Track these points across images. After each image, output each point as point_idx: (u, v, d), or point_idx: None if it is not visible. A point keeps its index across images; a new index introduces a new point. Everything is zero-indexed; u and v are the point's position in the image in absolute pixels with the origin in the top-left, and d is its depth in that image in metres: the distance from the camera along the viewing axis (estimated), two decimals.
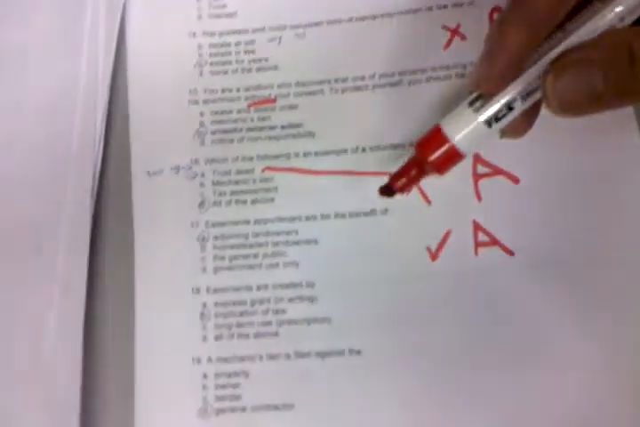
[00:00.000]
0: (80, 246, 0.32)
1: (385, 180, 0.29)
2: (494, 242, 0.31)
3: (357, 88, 0.33)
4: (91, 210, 0.32)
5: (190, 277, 0.31)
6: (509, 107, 0.25)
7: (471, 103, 0.26)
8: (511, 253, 0.30)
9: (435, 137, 0.27)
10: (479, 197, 0.31)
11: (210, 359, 0.30)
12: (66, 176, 0.33)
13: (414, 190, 0.31)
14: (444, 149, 0.26)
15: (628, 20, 0.24)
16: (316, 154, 0.33)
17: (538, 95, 0.25)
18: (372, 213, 0.31)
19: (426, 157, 0.27)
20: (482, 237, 0.31)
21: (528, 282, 0.30)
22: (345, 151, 0.32)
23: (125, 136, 0.34)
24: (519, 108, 0.25)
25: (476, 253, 0.30)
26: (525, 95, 0.25)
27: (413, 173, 0.28)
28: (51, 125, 0.34)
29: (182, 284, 0.31)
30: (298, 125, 0.33)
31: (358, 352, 0.30)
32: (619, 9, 0.24)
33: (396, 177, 0.28)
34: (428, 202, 0.31)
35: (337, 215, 0.32)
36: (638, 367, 0.28)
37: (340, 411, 0.29)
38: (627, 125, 0.31)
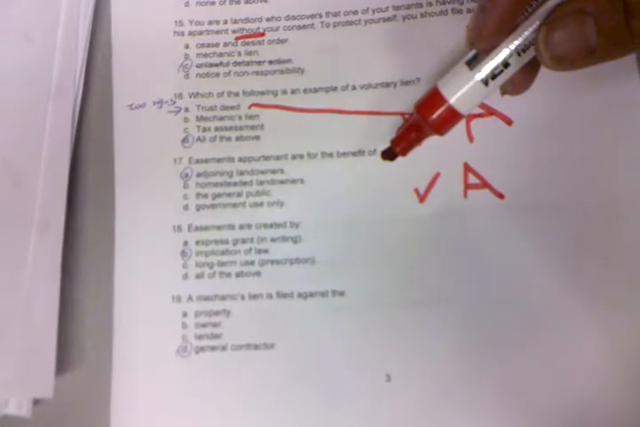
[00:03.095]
0: (59, 182, 0.30)
1: (374, 119, 0.28)
2: (484, 185, 0.29)
3: (349, 23, 0.31)
4: (71, 144, 0.31)
5: (172, 215, 0.30)
6: (505, 64, 0.24)
7: (468, 62, 0.24)
8: (501, 196, 0.29)
9: (433, 98, 0.25)
10: (471, 139, 0.30)
11: (190, 298, 0.29)
12: (45, 109, 0.31)
13: None
14: (442, 109, 0.25)
15: None
16: (305, 91, 0.31)
17: (532, 52, 0.23)
18: (361, 153, 0.30)
19: (425, 118, 0.26)
20: (472, 179, 0.29)
21: (517, 226, 0.29)
22: (334, 89, 0.31)
23: (107, 67, 0.32)
24: (515, 64, 0.24)
25: (466, 195, 0.29)
26: (521, 51, 0.23)
27: (413, 135, 0.27)
28: (29, 56, 0.32)
29: (163, 221, 0.30)
30: (286, 61, 0.31)
31: (342, 293, 0.29)
32: None
33: (397, 140, 0.27)
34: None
35: (324, 155, 0.30)
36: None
37: (320, 351, 0.28)
38: (626, 68, 0.30)
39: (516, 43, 0.23)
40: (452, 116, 0.25)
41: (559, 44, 0.22)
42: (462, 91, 0.25)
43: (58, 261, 0.29)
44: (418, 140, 0.27)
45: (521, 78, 0.26)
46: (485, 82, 0.24)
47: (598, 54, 0.22)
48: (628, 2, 0.21)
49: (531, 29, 0.23)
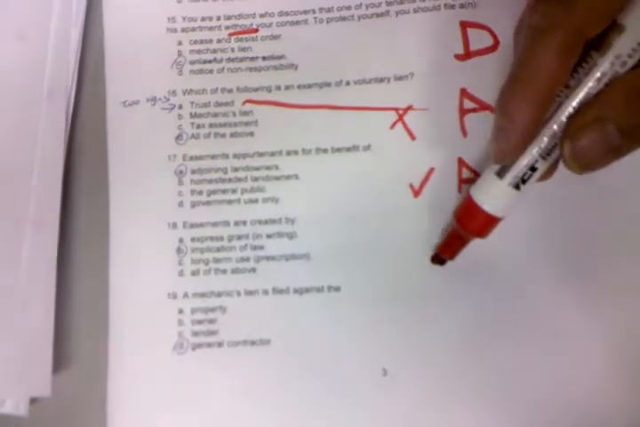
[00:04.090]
0: (53, 179, 0.29)
1: (368, 114, 0.28)
2: None
3: (343, 18, 0.31)
4: (64, 142, 0.30)
5: (167, 212, 0.30)
6: (532, 168, 0.25)
7: (497, 173, 0.25)
8: None
9: (470, 209, 0.26)
10: (464, 133, 0.29)
11: (186, 294, 0.29)
12: (39, 107, 0.30)
13: (399, 126, 0.30)
14: (481, 218, 0.26)
15: (630, 64, 0.22)
16: (299, 87, 0.30)
17: (557, 151, 0.24)
18: (355, 148, 0.30)
19: (467, 228, 0.27)
20: (466, 173, 0.29)
21: (512, 221, 0.28)
22: (328, 84, 0.30)
23: (100, 65, 0.31)
24: (542, 167, 0.25)
25: (460, 189, 0.29)
26: (545, 155, 0.24)
27: (458, 242, 0.28)
28: (22, 54, 0.31)
29: (158, 218, 0.29)
30: (280, 57, 0.31)
31: (337, 289, 0.28)
32: (617, 55, 0.22)
33: (444, 248, 0.28)
34: (413, 138, 0.29)
35: (319, 150, 0.30)
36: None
37: (316, 347, 0.28)
38: None
39: (540, 148, 0.24)
40: (492, 221, 0.26)
41: (585, 153, 0.22)
42: (497, 199, 0.26)
43: (53, 258, 0.29)
44: (463, 246, 0.27)
45: (549, 169, 0.26)
46: (517, 186, 0.25)
47: (624, 150, 0.22)
48: None
49: (550, 133, 0.24)
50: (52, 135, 0.30)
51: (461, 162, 0.29)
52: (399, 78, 0.30)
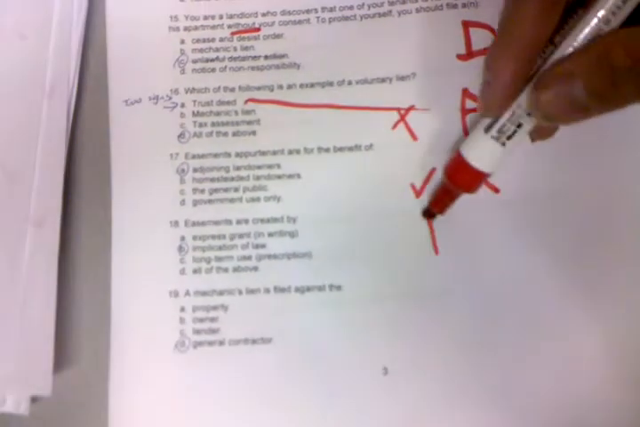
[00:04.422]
0: (54, 178, 0.29)
1: (370, 114, 0.28)
2: None
3: (345, 18, 0.31)
4: (66, 141, 0.30)
5: (169, 210, 0.29)
6: (518, 124, 0.25)
7: (485, 128, 0.26)
8: (496, 190, 0.29)
9: (459, 165, 0.27)
10: (467, 133, 0.29)
11: (188, 293, 0.29)
12: (40, 106, 0.30)
13: (401, 126, 0.30)
14: (469, 173, 0.27)
15: (615, 23, 0.22)
16: (301, 86, 0.30)
17: None
18: (357, 148, 0.30)
19: (456, 183, 0.27)
20: None
21: (512, 220, 0.28)
22: (330, 84, 0.30)
23: (103, 63, 0.31)
24: (528, 123, 0.25)
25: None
26: (530, 111, 0.24)
27: (447, 197, 0.28)
28: (23, 53, 0.31)
29: (160, 216, 0.29)
30: (282, 56, 0.31)
31: (339, 288, 0.28)
32: (601, 13, 0.22)
33: (434, 203, 0.28)
34: (414, 138, 0.29)
35: (320, 150, 0.30)
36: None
37: (317, 345, 0.28)
38: None
39: (523, 105, 0.24)
40: (480, 176, 0.27)
41: (550, 105, 0.22)
42: (485, 155, 0.26)
43: (54, 257, 0.28)
44: (452, 201, 0.28)
45: (544, 128, 0.26)
46: (503, 143, 0.25)
47: (589, 111, 0.22)
48: (612, 60, 0.21)
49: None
50: (54, 134, 0.30)
51: None
52: (401, 78, 0.30)
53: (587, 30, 0.22)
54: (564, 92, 0.22)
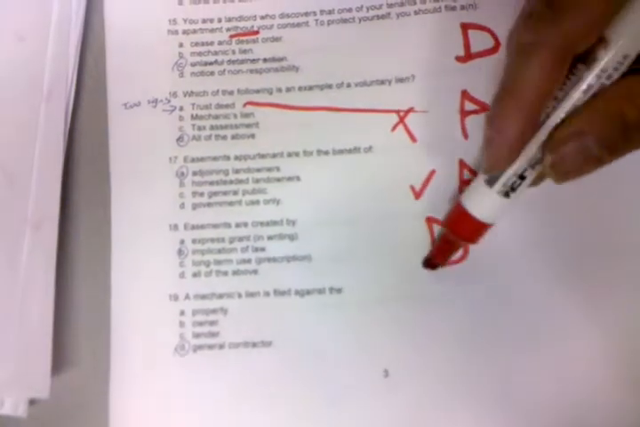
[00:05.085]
0: (52, 181, 0.29)
1: (369, 116, 0.28)
2: None
3: (344, 20, 0.31)
4: (64, 144, 0.30)
5: (168, 214, 0.29)
6: (521, 177, 0.25)
7: (487, 181, 0.26)
8: None
9: (460, 217, 0.27)
10: (465, 135, 0.29)
11: (187, 296, 0.28)
12: (38, 108, 0.30)
13: (400, 128, 0.29)
14: (471, 225, 0.26)
15: (616, 76, 0.23)
16: (300, 89, 0.30)
17: None
18: (356, 150, 0.29)
19: (459, 235, 0.27)
20: (467, 175, 0.29)
21: (512, 221, 0.28)
22: (329, 86, 0.30)
23: (101, 67, 0.31)
24: (531, 175, 0.25)
25: (461, 191, 0.28)
26: (534, 164, 0.25)
27: (448, 248, 0.28)
28: (21, 55, 0.31)
29: (159, 220, 0.29)
30: (281, 59, 0.31)
31: (339, 291, 0.28)
32: (603, 68, 0.23)
33: (436, 254, 0.28)
34: (414, 140, 0.29)
35: (320, 152, 0.29)
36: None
37: (317, 348, 0.28)
38: None
39: (529, 158, 0.24)
40: (482, 228, 0.26)
41: (563, 164, 0.23)
42: (487, 207, 0.26)
43: (52, 260, 0.28)
44: (454, 251, 0.28)
45: (539, 176, 0.26)
46: (506, 194, 0.25)
47: (602, 161, 0.23)
48: (624, 117, 0.22)
49: (539, 144, 0.24)
50: (52, 136, 0.30)
51: (462, 164, 0.29)
52: (400, 80, 0.30)
53: (590, 85, 0.23)
54: (578, 151, 0.22)
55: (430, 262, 0.28)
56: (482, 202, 0.26)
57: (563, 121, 0.23)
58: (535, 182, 0.26)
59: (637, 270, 0.28)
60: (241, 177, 0.29)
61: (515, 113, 0.23)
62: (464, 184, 0.29)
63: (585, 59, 0.23)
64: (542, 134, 0.24)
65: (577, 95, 0.23)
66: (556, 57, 0.22)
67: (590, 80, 0.23)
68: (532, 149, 0.24)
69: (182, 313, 0.28)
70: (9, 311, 0.28)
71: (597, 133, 0.22)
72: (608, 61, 0.22)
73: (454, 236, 0.27)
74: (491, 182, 0.25)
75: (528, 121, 0.23)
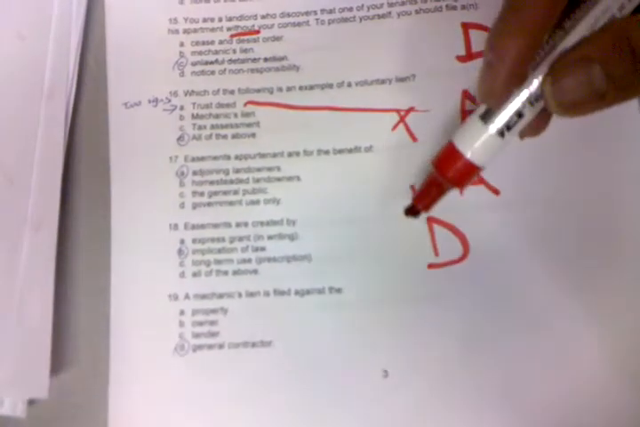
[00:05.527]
0: (52, 181, 0.29)
1: (369, 115, 0.28)
2: (480, 181, 0.29)
3: (344, 20, 0.31)
4: (64, 143, 0.30)
5: (168, 213, 0.29)
6: (519, 114, 0.23)
7: (482, 116, 0.24)
8: (496, 192, 0.28)
9: (450, 154, 0.25)
10: None
11: (187, 296, 0.28)
12: (39, 108, 0.30)
13: (401, 127, 0.29)
14: (460, 165, 0.24)
15: (629, 9, 0.21)
16: (300, 88, 0.30)
17: None
18: (357, 149, 0.29)
19: (444, 174, 0.25)
20: None
21: (513, 222, 0.28)
22: (330, 86, 0.30)
23: (101, 66, 0.31)
24: (529, 114, 0.23)
25: (461, 191, 0.28)
26: (534, 100, 0.22)
27: (434, 191, 0.26)
28: (22, 54, 0.31)
29: (159, 219, 0.29)
30: (282, 58, 0.30)
31: (339, 290, 0.28)
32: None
33: (419, 198, 0.27)
34: (414, 139, 0.29)
35: (320, 152, 0.29)
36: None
37: (317, 348, 0.27)
38: None
39: (528, 93, 0.22)
40: (471, 171, 0.24)
41: (566, 92, 0.21)
42: (479, 145, 0.24)
43: (52, 259, 0.28)
44: (439, 196, 0.26)
45: (537, 122, 0.24)
46: (501, 133, 0.23)
47: (608, 99, 0.21)
48: (632, 44, 0.20)
49: (541, 78, 0.22)
50: (52, 135, 0.30)
51: None
52: (401, 80, 0.30)
53: (601, 16, 0.21)
54: (583, 79, 0.20)
55: (412, 208, 0.27)
56: (475, 140, 0.24)
57: (569, 48, 0.21)
58: (532, 131, 0.24)
59: (637, 270, 0.28)
60: (241, 177, 0.29)
61: (516, 32, 0.21)
62: None
63: None
64: (545, 66, 0.22)
65: (585, 25, 0.21)
66: None
67: (601, 9, 0.21)
68: (533, 82, 0.22)
69: (182, 313, 0.28)
70: (8, 311, 0.28)
71: (605, 62, 0.20)
72: None
73: (441, 176, 0.25)
74: (485, 118, 0.23)
75: (530, 43, 0.21)
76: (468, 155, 0.24)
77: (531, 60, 0.22)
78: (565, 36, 0.22)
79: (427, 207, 0.26)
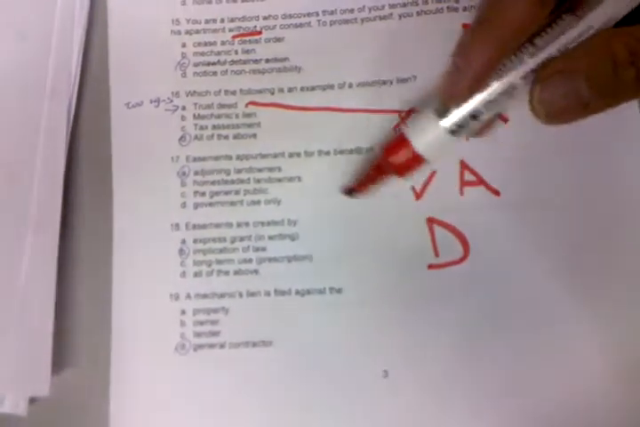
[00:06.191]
0: (54, 181, 0.29)
1: (370, 117, 0.28)
2: (480, 182, 0.29)
3: (346, 21, 0.31)
4: (66, 143, 0.30)
5: (169, 213, 0.29)
6: (474, 116, 0.24)
7: (437, 110, 0.24)
8: (497, 192, 0.28)
9: (399, 141, 0.25)
10: (467, 138, 0.29)
11: (188, 296, 0.28)
12: (41, 108, 0.30)
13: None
14: (406, 153, 0.25)
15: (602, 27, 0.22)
16: (302, 89, 0.30)
17: (503, 105, 0.23)
18: (357, 150, 0.29)
19: (388, 160, 0.26)
20: (468, 176, 0.29)
21: (513, 223, 0.28)
22: (331, 87, 0.30)
23: (104, 66, 0.31)
24: (483, 117, 0.24)
25: (462, 192, 0.28)
26: (490, 105, 0.23)
27: (375, 174, 0.27)
28: (24, 54, 0.31)
29: (161, 219, 0.29)
30: (283, 59, 0.30)
31: (339, 291, 0.28)
32: (593, 23, 0.22)
33: (359, 179, 0.27)
34: None
35: (321, 153, 0.29)
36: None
37: (317, 348, 0.27)
38: None
39: (487, 99, 0.23)
40: (415, 161, 0.25)
41: (552, 101, 0.22)
42: (428, 138, 0.25)
43: (53, 258, 0.28)
44: (379, 181, 0.27)
45: (487, 125, 0.25)
46: (452, 132, 0.24)
47: (591, 107, 0.21)
48: (614, 55, 0.21)
49: (502, 87, 0.23)
50: (54, 135, 0.30)
51: (463, 164, 0.29)
52: (402, 81, 0.30)
53: (577, 34, 0.22)
54: (568, 89, 0.21)
55: (350, 189, 0.27)
56: (427, 135, 0.25)
57: (553, 57, 0.22)
58: (478, 132, 0.25)
59: (637, 270, 0.28)
60: (242, 177, 0.29)
61: (488, 42, 0.22)
62: (465, 185, 0.28)
63: (571, 8, 0.22)
64: (511, 76, 0.23)
65: (563, 40, 0.22)
66: None
67: (580, 27, 0.22)
68: (493, 89, 0.23)
69: (183, 312, 0.28)
70: (10, 310, 0.28)
71: (586, 71, 0.21)
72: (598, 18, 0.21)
73: (386, 163, 0.26)
74: (440, 114, 0.24)
75: (498, 54, 0.22)
76: (418, 146, 0.25)
77: (496, 69, 0.23)
78: (537, 51, 0.22)
79: (364, 190, 0.27)
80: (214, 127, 0.30)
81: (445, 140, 0.24)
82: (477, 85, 0.23)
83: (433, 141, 0.25)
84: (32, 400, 0.27)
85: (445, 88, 0.24)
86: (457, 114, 0.24)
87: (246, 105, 0.30)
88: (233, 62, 0.31)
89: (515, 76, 0.23)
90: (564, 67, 0.21)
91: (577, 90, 0.21)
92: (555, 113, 0.22)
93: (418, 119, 0.25)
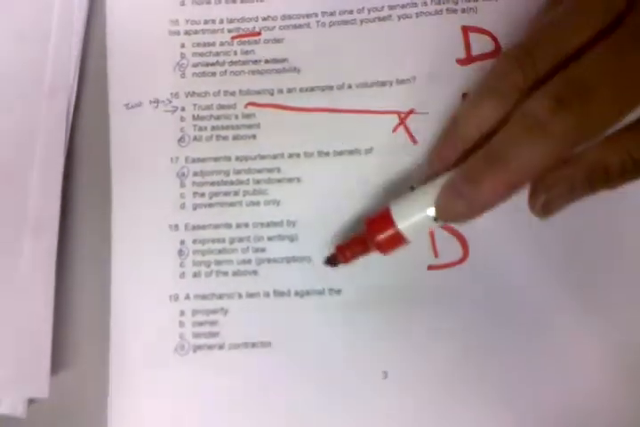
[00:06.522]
0: (53, 182, 0.29)
1: (369, 118, 0.28)
2: None
3: (345, 22, 0.31)
4: (65, 144, 0.30)
5: (168, 214, 0.29)
6: None
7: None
8: None
9: (383, 219, 0.26)
10: None
11: (187, 296, 0.28)
12: (39, 109, 0.30)
13: (401, 130, 0.29)
14: (389, 232, 0.25)
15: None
16: (301, 90, 0.30)
17: None
18: (357, 151, 0.29)
19: (372, 236, 0.26)
20: None
21: (513, 224, 0.28)
22: (330, 88, 0.30)
23: (102, 67, 0.31)
24: None
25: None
26: None
27: (359, 248, 0.27)
28: (22, 55, 0.31)
29: (160, 220, 0.29)
30: (282, 60, 0.30)
31: (338, 292, 0.28)
32: None
33: (342, 248, 0.27)
34: (414, 141, 0.29)
35: (320, 153, 0.29)
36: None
37: (317, 349, 0.27)
38: None
39: None
40: (398, 241, 0.25)
41: (552, 205, 0.24)
42: (412, 220, 0.25)
43: (52, 260, 0.28)
44: (361, 254, 0.27)
45: None
46: (436, 219, 0.25)
47: (584, 197, 0.24)
48: (607, 168, 0.23)
49: None
50: (53, 136, 0.30)
51: None
52: (401, 82, 0.30)
53: None
54: (567, 193, 0.24)
55: (333, 259, 0.27)
56: (411, 214, 0.25)
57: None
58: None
59: (637, 272, 0.28)
60: (242, 178, 0.29)
61: (454, 148, 0.25)
62: None
63: None
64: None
65: None
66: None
67: None
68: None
69: (182, 313, 0.28)
70: (8, 311, 0.28)
71: (584, 179, 0.23)
72: None
73: (369, 238, 0.26)
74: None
75: (462, 157, 0.25)
76: (401, 226, 0.25)
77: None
78: None
79: (347, 260, 0.27)
80: (213, 128, 0.30)
81: (429, 224, 0.25)
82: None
83: (417, 224, 0.25)
84: (31, 402, 0.27)
85: (426, 174, 0.26)
86: None
87: (245, 106, 0.30)
88: (232, 63, 0.31)
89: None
90: (563, 175, 0.24)
91: (573, 194, 0.24)
92: (553, 212, 0.24)
93: (405, 198, 0.26)
